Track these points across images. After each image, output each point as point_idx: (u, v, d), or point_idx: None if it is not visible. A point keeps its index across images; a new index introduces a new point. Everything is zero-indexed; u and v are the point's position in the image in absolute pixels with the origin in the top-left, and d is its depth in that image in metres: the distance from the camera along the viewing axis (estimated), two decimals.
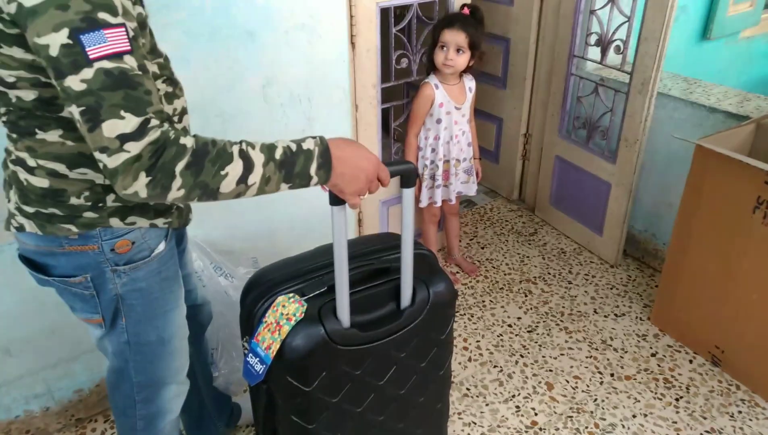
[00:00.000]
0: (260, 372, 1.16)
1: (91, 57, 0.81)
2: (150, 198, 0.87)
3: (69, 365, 1.76)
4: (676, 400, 1.93)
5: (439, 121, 2.17)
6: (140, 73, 0.86)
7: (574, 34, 2.49)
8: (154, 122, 0.85)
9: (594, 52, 2.48)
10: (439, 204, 2.32)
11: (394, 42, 2.14)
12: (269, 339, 1.15)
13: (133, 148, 0.83)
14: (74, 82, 0.81)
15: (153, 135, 0.85)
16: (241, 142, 0.94)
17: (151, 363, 1.23)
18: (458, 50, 2.06)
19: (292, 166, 0.96)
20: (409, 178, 1.16)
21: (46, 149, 0.98)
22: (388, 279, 1.29)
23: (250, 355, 1.18)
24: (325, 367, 1.20)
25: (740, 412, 1.88)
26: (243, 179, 0.92)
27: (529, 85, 2.77)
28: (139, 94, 0.84)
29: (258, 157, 0.93)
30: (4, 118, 0.99)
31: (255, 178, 0.93)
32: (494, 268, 2.59)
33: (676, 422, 1.85)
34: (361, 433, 1.35)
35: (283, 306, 1.17)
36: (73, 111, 0.83)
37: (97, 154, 0.85)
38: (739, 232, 1.84)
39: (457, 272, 2.55)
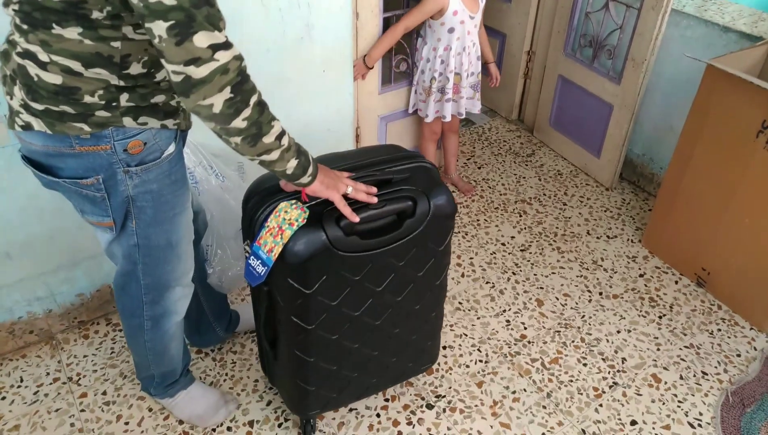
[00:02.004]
0: (262, 274, 1.19)
1: None
2: (217, 117, 0.95)
3: (70, 271, 1.79)
4: (659, 317, 2.00)
5: (452, 30, 2.08)
6: None
7: None
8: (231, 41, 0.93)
9: None
10: (448, 119, 2.27)
11: None
12: (271, 243, 1.17)
13: (223, 57, 0.91)
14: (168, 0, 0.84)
15: (237, 50, 0.93)
16: None
17: (159, 266, 1.27)
18: None
19: (299, 145, 1.13)
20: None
21: (62, 45, 0.95)
22: (391, 190, 1.28)
23: (252, 257, 1.20)
24: (325, 272, 1.23)
25: (719, 329, 1.97)
26: (280, 136, 1.05)
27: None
28: (216, 12, 0.90)
29: (286, 130, 1.08)
30: (16, 7, 0.94)
31: (285, 141, 1.07)
32: (490, 187, 2.60)
33: (657, 338, 1.93)
34: (358, 336, 1.41)
35: (286, 211, 1.17)
36: (157, 26, 0.86)
37: (180, 67, 0.89)
38: (739, 156, 1.84)
39: (454, 191, 2.56)
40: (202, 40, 0.88)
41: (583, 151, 2.67)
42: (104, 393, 1.71)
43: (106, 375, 1.76)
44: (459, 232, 2.34)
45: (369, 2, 1.98)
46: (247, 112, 0.97)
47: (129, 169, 1.10)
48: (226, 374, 1.77)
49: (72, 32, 0.94)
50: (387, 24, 2.13)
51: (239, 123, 0.98)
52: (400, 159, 1.37)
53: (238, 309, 1.87)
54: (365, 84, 2.16)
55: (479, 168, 2.72)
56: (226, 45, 0.92)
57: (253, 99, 0.98)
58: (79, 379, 1.75)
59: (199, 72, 0.90)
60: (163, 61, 0.90)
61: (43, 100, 1.00)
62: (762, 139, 1.76)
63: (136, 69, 1.01)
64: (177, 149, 1.17)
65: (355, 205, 1.22)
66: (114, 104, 1.03)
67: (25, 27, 0.95)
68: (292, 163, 1.10)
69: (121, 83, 1.01)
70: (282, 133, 1.06)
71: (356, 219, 1.20)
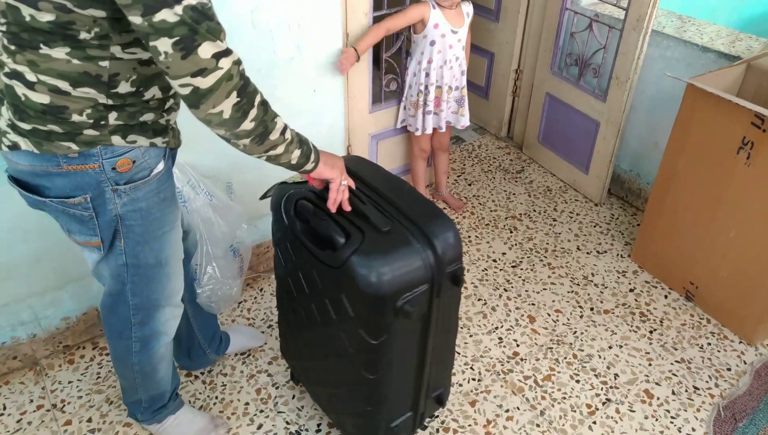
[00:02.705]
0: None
1: None
2: (228, 122, 0.98)
3: (56, 293, 1.76)
4: (650, 332, 2.01)
5: (433, 42, 2.10)
6: (210, 5, 0.92)
7: None
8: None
9: None
10: (429, 132, 2.29)
11: None
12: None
13: (226, 64, 0.93)
14: (168, 16, 0.86)
15: (236, 55, 0.96)
16: None
17: (148, 285, 1.25)
18: None
19: (300, 135, 1.16)
20: None
21: (50, 65, 0.95)
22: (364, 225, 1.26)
23: None
24: (280, 230, 1.39)
25: (709, 343, 1.98)
26: (283, 131, 1.09)
27: (522, 19, 2.70)
28: (215, 25, 0.92)
29: (284, 122, 1.10)
30: (3, 28, 0.94)
31: (288, 134, 1.10)
32: (481, 204, 2.61)
33: (648, 353, 1.94)
34: (299, 326, 1.48)
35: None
36: (162, 43, 0.88)
37: (187, 80, 0.91)
38: (722, 172, 1.87)
39: (444, 208, 2.57)
40: (206, 50, 0.91)
41: (571, 167, 2.70)
42: (89, 420, 1.67)
43: (92, 401, 1.72)
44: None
45: (359, 22, 2.00)
46: (254, 113, 1.01)
47: (117, 188, 1.09)
48: (216, 397, 1.74)
49: (60, 52, 0.94)
50: (376, 44, 2.14)
51: (248, 125, 1.01)
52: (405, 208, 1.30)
53: (228, 331, 1.85)
54: (356, 103, 2.17)
55: (470, 185, 2.74)
56: (227, 52, 0.94)
57: (257, 99, 1.01)
58: (64, 406, 1.71)
59: (206, 82, 0.92)
60: (168, 77, 0.92)
61: (31, 120, 0.99)
62: (743, 155, 1.79)
63: (124, 88, 1.01)
64: (166, 167, 1.17)
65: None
66: (102, 123, 1.02)
67: (12, 47, 0.95)
68: (296, 154, 1.14)
69: (110, 102, 1.01)
70: (285, 128, 1.10)
71: (335, 208, 1.26)
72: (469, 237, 2.42)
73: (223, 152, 1.82)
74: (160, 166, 1.14)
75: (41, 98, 0.97)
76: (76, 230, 1.14)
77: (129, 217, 1.13)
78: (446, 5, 2.05)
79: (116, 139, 1.05)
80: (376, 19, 2.06)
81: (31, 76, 0.96)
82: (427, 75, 2.17)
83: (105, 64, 0.97)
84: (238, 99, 0.97)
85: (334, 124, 2.08)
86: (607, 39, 2.37)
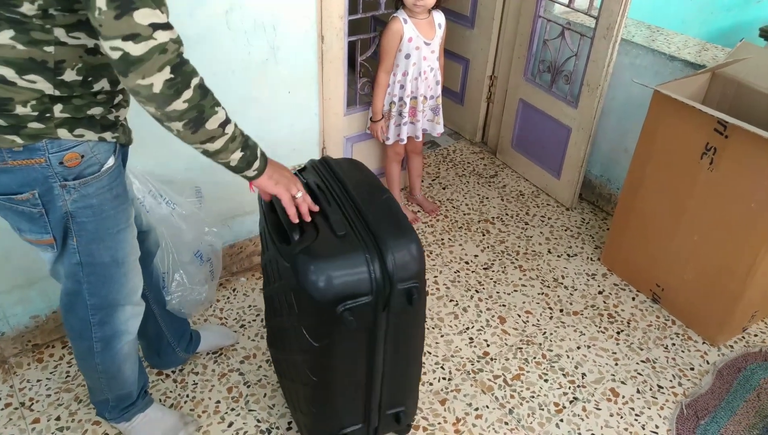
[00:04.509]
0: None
1: None
2: (157, 97, 0.93)
3: (24, 291, 1.74)
4: (617, 333, 2.06)
5: (407, 56, 2.15)
6: None
7: None
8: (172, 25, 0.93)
9: None
10: (404, 141, 2.33)
11: None
12: None
13: (162, 37, 0.89)
14: None
15: (176, 33, 0.92)
16: None
17: (105, 284, 1.23)
18: None
19: (247, 138, 1.13)
20: None
21: None
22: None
23: None
24: (262, 221, 1.41)
25: (674, 344, 2.03)
26: (224, 124, 1.05)
27: (497, 26, 2.75)
28: None
29: (232, 119, 1.07)
30: None
31: (230, 129, 1.06)
32: (454, 207, 2.64)
33: (615, 353, 1.98)
34: (271, 313, 1.52)
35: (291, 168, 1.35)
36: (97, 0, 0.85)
37: (117, 42, 0.87)
38: (686, 177, 1.93)
39: (418, 211, 2.60)
40: (143, 16, 0.87)
41: (543, 172, 2.75)
42: (58, 419, 1.66)
43: (61, 400, 1.71)
44: (424, 251, 2.37)
45: (333, 25, 2.02)
46: (188, 94, 0.96)
47: (66, 184, 1.06)
48: (187, 396, 1.74)
49: (4, 36, 0.92)
50: (351, 47, 2.18)
51: (180, 105, 0.96)
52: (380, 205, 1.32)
53: (199, 329, 1.84)
54: (331, 105, 2.20)
55: (444, 188, 2.77)
56: (167, 26, 0.91)
57: (194, 81, 0.97)
58: (32, 404, 1.69)
59: (136, 49, 0.88)
60: (100, 38, 0.88)
61: None
62: (706, 160, 1.85)
63: (70, 76, 0.99)
64: (117, 163, 1.14)
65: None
66: (47, 115, 1.00)
67: None
68: (237, 155, 1.10)
69: (56, 93, 0.99)
70: (226, 122, 1.05)
71: (295, 220, 1.25)
72: (443, 239, 2.45)
73: (191, 155, 1.84)
74: (111, 162, 1.12)
75: None
76: (26, 229, 1.12)
77: (80, 214, 1.11)
78: (418, 11, 2.09)
79: (63, 133, 1.03)
80: (351, 23, 2.09)
81: None
82: (402, 87, 2.21)
83: (50, 49, 0.95)
84: (172, 75, 0.93)
85: (309, 126, 2.10)
86: (578, 47, 2.43)
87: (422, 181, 2.66)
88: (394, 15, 2.12)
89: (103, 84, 1.05)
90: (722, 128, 1.77)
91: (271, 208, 1.35)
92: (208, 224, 1.81)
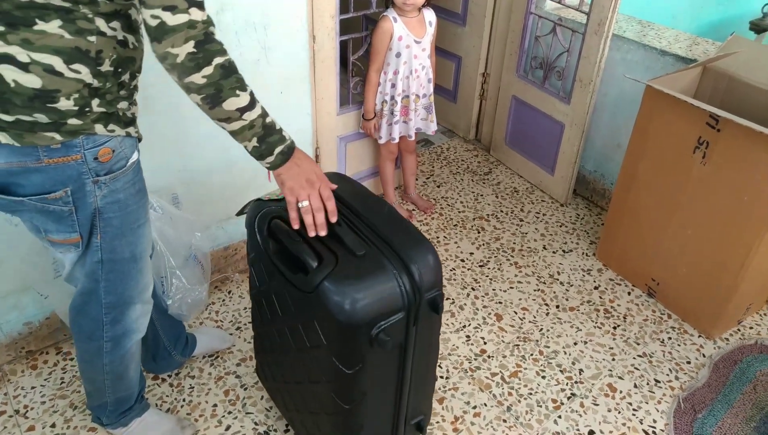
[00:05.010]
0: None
1: None
2: (179, 67, 1.00)
3: (17, 298, 1.73)
4: (614, 328, 2.06)
5: (398, 54, 2.14)
6: None
7: None
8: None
9: None
10: (396, 140, 2.32)
11: None
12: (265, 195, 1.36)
13: (195, 14, 0.98)
14: None
15: (206, 15, 1.00)
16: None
17: (122, 281, 1.25)
18: None
19: (270, 134, 1.15)
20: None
21: (45, 41, 0.96)
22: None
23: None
24: (255, 250, 1.34)
25: (670, 338, 2.04)
26: (243, 110, 1.08)
27: (488, 23, 2.75)
28: None
29: (258, 108, 1.12)
30: None
31: (249, 116, 1.10)
32: (449, 205, 2.64)
33: (612, 348, 1.98)
34: (274, 344, 1.43)
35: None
36: None
37: (158, 11, 0.95)
38: (679, 171, 1.93)
39: (413, 209, 2.59)
40: None
41: (537, 168, 2.76)
42: (53, 426, 1.64)
43: (56, 406, 1.69)
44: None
45: (325, 25, 2.01)
46: (208, 71, 1.01)
47: (98, 179, 1.10)
48: (184, 400, 1.73)
49: (53, 26, 0.95)
50: (343, 46, 2.17)
51: (198, 78, 1.01)
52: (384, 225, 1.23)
53: (195, 332, 1.83)
54: (324, 105, 2.19)
55: (438, 186, 2.77)
56: (202, 6, 0.99)
57: (217, 60, 1.02)
58: (27, 411, 1.68)
59: (172, 19, 0.96)
60: (142, 7, 0.96)
61: (16, 110, 0.98)
62: (698, 155, 1.86)
63: (105, 66, 1.03)
64: (138, 157, 1.18)
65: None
66: (87, 110, 1.04)
67: (2, 28, 0.94)
68: (251, 144, 1.14)
69: (95, 82, 1.03)
70: (247, 108, 1.09)
71: (296, 225, 1.21)
72: (438, 237, 2.45)
73: (166, 165, 1.84)
74: (135, 156, 1.16)
75: (33, 81, 0.97)
76: (53, 229, 1.13)
77: (108, 210, 1.14)
78: (408, 10, 2.09)
79: (99, 128, 1.06)
80: (342, 22, 2.08)
81: (23, 57, 0.95)
82: (393, 86, 2.20)
83: (93, 39, 1.00)
84: (194, 50, 0.99)
85: (302, 126, 2.10)
86: (570, 42, 2.43)
87: (416, 180, 2.65)
88: (384, 14, 2.11)
89: (126, 76, 1.10)
90: (714, 122, 1.78)
91: (271, 235, 1.27)
92: (196, 229, 1.82)
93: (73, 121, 1.03)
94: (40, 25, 0.94)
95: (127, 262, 1.23)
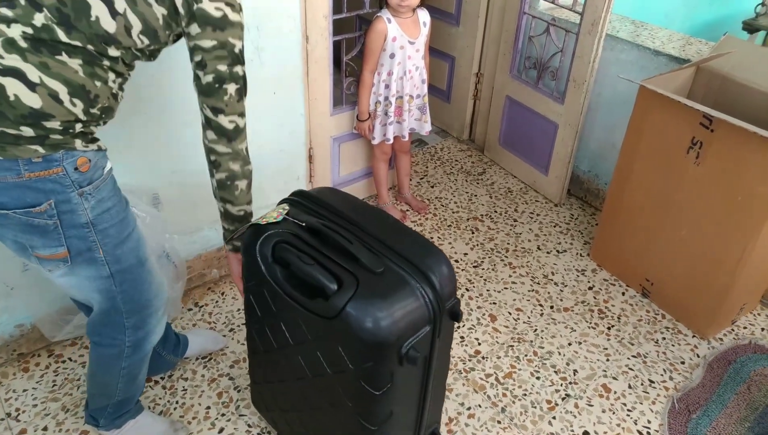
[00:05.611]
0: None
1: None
2: (240, 155, 1.26)
3: (8, 300, 1.71)
4: (608, 328, 2.06)
5: (392, 55, 2.14)
6: None
7: None
8: None
9: None
10: (390, 141, 2.32)
11: None
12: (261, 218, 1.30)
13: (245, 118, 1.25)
14: (240, 70, 1.18)
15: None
16: None
17: (137, 288, 1.28)
18: None
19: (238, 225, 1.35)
20: None
21: (60, 70, 1.01)
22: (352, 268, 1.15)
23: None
24: (255, 278, 1.28)
25: (664, 338, 2.04)
26: (246, 187, 1.32)
27: (482, 23, 2.75)
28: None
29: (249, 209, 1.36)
30: (29, 30, 0.97)
31: (225, 209, 1.33)
32: (443, 206, 2.64)
33: (606, 348, 1.98)
34: (282, 370, 1.38)
35: (274, 210, 1.29)
36: (231, 87, 1.17)
37: (235, 118, 1.20)
38: (673, 171, 1.93)
39: (407, 210, 2.59)
40: (245, 102, 1.22)
41: (531, 168, 2.76)
42: (45, 429, 1.63)
43: (48, 409, 1.68)
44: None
45: (318, 25, 2.01)
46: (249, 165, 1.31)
47: (83, 190, 1.11)
48: (177, 402, 1.72)
49: (74, 62, 1.02)
50: (337, 47, 2.16)
51: (244, 168, 1.27)
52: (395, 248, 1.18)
53: (188, 334, 1.82)
54: (317, 105, 2.18)
55: (432, 187, 2.77)
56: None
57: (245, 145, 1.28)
58: (18, 414, 1.66)
59: (243, 122, 1.22)
60: (224, 114, 1.18)
61: (5, 124, 0.99)
62: (692, 155, 1.86)
63: (95, 109, 1.09)
64: (111, 167, 1.21)
65: (304, 251, 1.18)
66: (70, 131, 1.07)
67: (25, 46, 0.97)
68: (225, 224, 1.35)
69: (83, 117, 1.08)
70: (247, 189, 1.32)
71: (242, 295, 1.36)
72: (432, 238, 2.44)
73: (155, 166, 1.82)
74: (108, 165, 1.19)
75: (34, 101, 1.00)
76: (39, 244, 1.12)
77: (101, 221, 1.15)
78: (402, 11, 2.08)
79: (78, 143, 1.10)
80: (336, 23, 2.08)
81: (34, 77, 0.98)
82: (387, 87, 2.20)
83: (98, 84, 1.07)
84: (246, 145, 1.27)
85: (295, 126, 2.09)
86: (564, 42, 2.43)
87: (410, 180, 2.65)
88: (378, 15, 2.11)
89: (105, 120, 1.18)
90: (708, 122, 1.78)
91: (280, 262, 1.20)
92: (169, 231, 1.80)
93: (56, 137, 1.05)
94: (63, 57, 1.01)
95: (136, 267, 1.25)
